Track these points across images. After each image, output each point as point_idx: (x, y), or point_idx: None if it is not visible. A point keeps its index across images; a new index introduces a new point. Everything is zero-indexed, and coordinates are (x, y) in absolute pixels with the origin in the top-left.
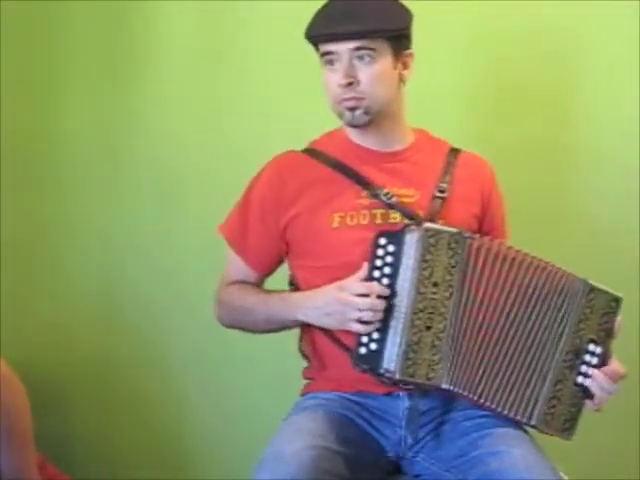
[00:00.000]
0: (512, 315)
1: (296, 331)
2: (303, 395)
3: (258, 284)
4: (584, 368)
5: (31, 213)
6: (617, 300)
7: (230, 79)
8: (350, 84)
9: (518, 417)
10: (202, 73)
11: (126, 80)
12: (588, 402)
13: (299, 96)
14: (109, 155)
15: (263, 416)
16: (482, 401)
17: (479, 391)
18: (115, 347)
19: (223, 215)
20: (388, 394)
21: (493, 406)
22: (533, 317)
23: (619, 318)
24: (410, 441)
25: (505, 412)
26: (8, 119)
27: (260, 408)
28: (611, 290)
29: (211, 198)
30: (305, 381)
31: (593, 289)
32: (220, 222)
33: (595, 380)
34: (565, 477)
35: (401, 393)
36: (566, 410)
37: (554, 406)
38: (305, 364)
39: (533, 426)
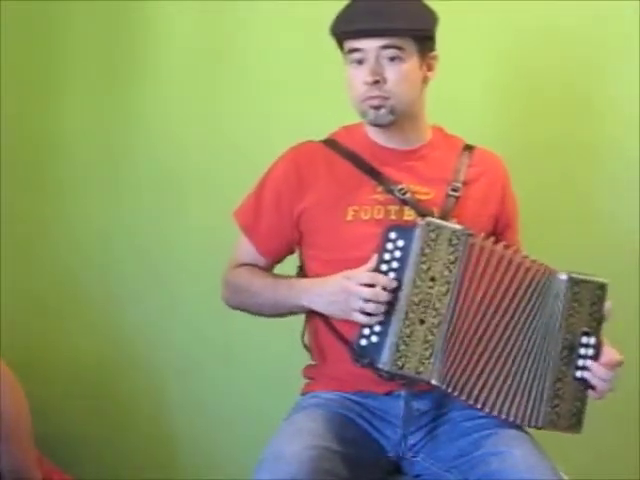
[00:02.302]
0: (508, 317)
1: (296, 330)
2: (304, 394)
3: (267, 269)
4: (581, 362)
5: (31, 213)
6: (602, 287)
7: (230, 79)
8: (376, 82)
9: (525, 423)
10: (202, 73)
11: (126, 80)
12: (590, 392)
13: (299, 96)
14: (109, 155)
15: (263, 416)
16: (485, 409)
17: (479, 397)
18: (115, 347)
19: (223, 215)
20: (389, 394)
21: (498, 414)
22: (528, 319)
23: (608, 303)
24: (410, 441)
25: (511, 419)
26: (8, 119)
27: (260, 408)
28: (595, 278)
29: (211, 198)
30: (305, 380)
31: (577, 282)
32: (220, 222)
33: (594, 373)
34: (565, 477)
35: (402, 393)
36: (570, 406)
37: (557, 405)
38: (306, 363)
39: (540, 428)
